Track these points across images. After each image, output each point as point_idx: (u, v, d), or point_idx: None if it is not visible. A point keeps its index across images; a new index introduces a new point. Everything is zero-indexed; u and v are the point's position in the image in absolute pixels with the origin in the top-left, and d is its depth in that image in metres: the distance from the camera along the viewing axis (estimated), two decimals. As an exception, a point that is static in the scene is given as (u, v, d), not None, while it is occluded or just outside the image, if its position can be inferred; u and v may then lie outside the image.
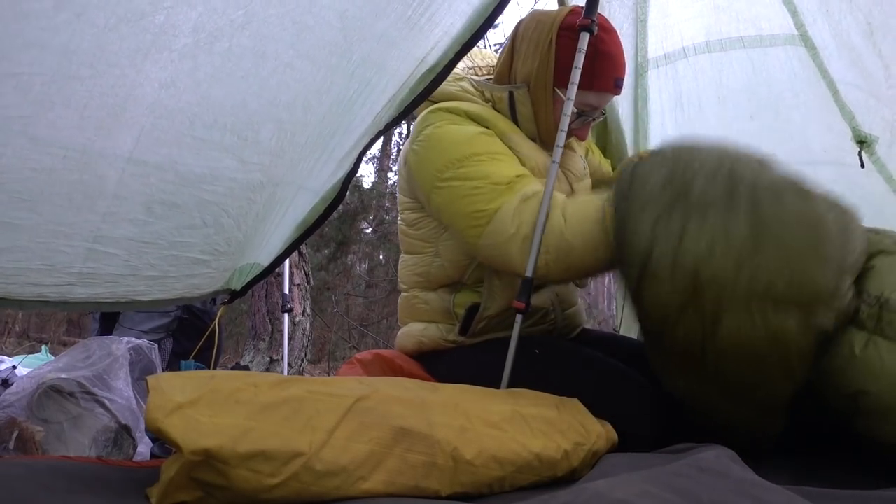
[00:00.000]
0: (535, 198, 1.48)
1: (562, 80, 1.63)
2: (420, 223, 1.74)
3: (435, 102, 1.72)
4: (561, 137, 1.56)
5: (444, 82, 1.71)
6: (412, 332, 1.80)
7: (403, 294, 1.85)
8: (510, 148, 1.63)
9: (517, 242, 1.44)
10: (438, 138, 1.60)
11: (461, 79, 1.76)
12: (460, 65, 1.77)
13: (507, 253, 1.46)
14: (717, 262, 1.22)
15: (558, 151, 1.57)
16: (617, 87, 1.70)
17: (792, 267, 1.20)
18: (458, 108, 1.65)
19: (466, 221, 1.51)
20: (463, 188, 1.51)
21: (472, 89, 1.74)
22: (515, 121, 1.72)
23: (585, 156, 1.97)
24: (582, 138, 1.78)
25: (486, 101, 1.72)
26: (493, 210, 1.48)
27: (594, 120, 1.75)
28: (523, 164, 1.63)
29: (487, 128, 1.63)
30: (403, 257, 1.84)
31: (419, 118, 1.71)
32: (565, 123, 1.58)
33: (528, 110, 1.70)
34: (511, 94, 1.69)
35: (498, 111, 1.71)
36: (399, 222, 1.83)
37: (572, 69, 1.57)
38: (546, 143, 1.72)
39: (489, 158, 1.55)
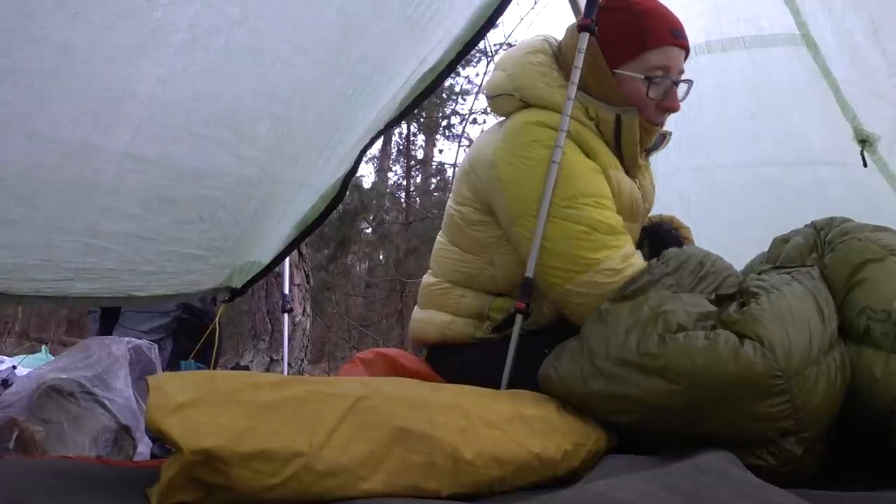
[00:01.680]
0: (635, 256, 1.48)
1: (614, 59, 1.57)
2: (481, 226, 1.65)
3: (529, 105, 1.60)
4: (561, 137, 1.54)
5: (546, 85, 1.59)
6: (436, 322, 1.73)
7: (433, 280, 1.77)
8: (609, 186, 1.56)
9: (605, 296, 1.41)
10: (547, 165, 1.50)
11: (564, 84, 1.58)
12: (546, 52, 1.65)
13: (593, 303, 1.41)
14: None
15: (558, 151, 1.54)
16: (676, 38, 1.57)
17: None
18: (567, 131, 1.53)
19: (561, 262, 1.47)
20: (566, 228, 1.47)
21: (577, 102, 1.56)
22: (618, 144, 1.61)
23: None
24: (675, 109, 1.62)
25: (590, 118, 1.60)
26: (595, 261, 1.45)
27: (675, 84, 1.60)
28: (621, 201, 1.57)
29: (592, 159, 1.55)
30: (448, 246, 1.74)
31: (519, 121, 1.58)
32: (565, 123, 1.55)
33: (633, 135, 1.59)
34: (618, 117, 1.58)
35: (601, 132, 1.61)
36: (452, 210, 1.72)
37: (572, 69, 1.54)
38: (630, 169, 1.65)
39: (596, 204, 1.50)
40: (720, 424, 1.22)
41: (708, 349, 1.19)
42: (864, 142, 2.30)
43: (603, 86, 1.59)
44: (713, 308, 1.31)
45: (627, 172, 1.64)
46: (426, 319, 1.76)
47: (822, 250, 1.48)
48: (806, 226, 1.60)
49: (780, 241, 1.63)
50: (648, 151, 1.74)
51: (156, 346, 2.63)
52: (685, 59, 1.64)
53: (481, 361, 1.58)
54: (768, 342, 1.17)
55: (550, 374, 1.35)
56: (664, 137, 1.78)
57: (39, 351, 3.66)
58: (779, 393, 1.17)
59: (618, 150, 1.62)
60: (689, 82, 1.64)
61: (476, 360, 1.62)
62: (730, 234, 2.58)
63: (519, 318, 1.51)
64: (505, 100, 1.65)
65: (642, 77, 1.58)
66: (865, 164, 2.30)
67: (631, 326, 1.27)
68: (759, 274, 1.40)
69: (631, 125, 1.59)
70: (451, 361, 1.69)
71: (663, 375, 1.21)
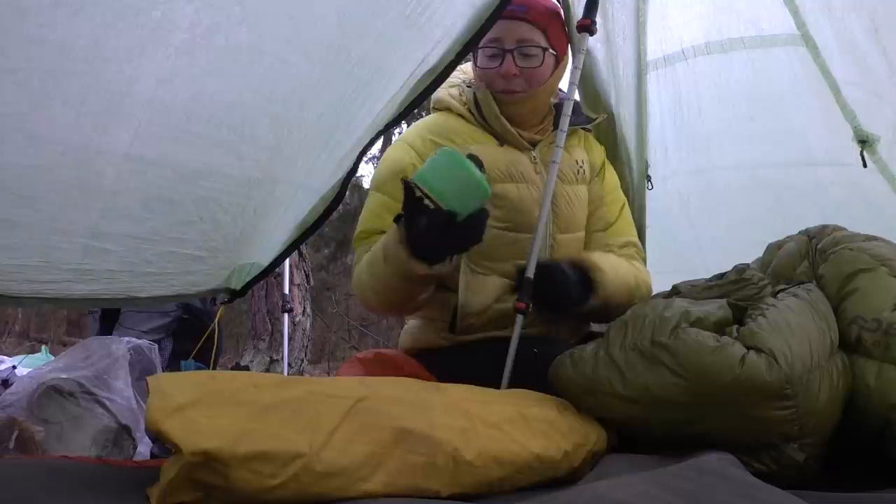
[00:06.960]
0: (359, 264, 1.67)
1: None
2: None
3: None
4: (561, 137, 1.55)
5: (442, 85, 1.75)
6: (409, 329, 1.80)
7: None
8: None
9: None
10: (382, 160, 1.82)
11: (454, 85, 1.81)
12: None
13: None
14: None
15: (558, 152, 1.56)
16: (509, 13, 1.66)
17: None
18: (412, 137, 1.75)
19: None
20: (366, 205, 1.75)
21: (458, 95, 1.79)
22: (486, 121, 1.74)
23: (588, 177, 1.84)
24: (506, 73, 1.69)
25: (464, 104, 1.77)
26: (356, 243, 1.72)
27: (511, 52, 1.68)
28: (493, 170, 1.65)
29: (450, 140, 1.69)
30: None
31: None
32: (565, 124, 1.57)
33: (491, 108, 1.72)
34: (475, 94, 1.75)
35: (472, 113, 1.76)
36: None
37: (572, 69, 1.56)
38: (510, 140, 1.73)
39: (374, 205, 1.72)
40: (721, 426, 1.22)
41: (716, 350, 1.20)
42: (864, 142, 2.29)
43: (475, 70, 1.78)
44: (730, 315, 1.32)
45: (516, 145, 1.74)
46: (405, 329, 1.83)
47: (814, 258, 1.49)
48: (800, 232, 1.60)
49: (775, 248, 1.64)
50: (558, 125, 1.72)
51: (156, 346, 2.64)
52: (538, 29, 1.70)
53: (458, 364, 1.61)
54: (770, 350, 1.18)
55: (564, 360, 1.36)
56: (590, 120, 1.85)
57: (39, 351, 3.67)
58: (784, 398, 1.17)
59: (489, 125, 1.75)
60: (543, 49, 1.70)
61: (452, 363, 1.64)
62: (730, 236, 2.59)
63: (519, 317, 1.51)
64: None
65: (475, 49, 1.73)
66: (865, 165, 2.30)
67: (651, 318, 1.29)
68: (759, 294, 1.40)
69: (485, 99, 1.72)
70: (434, 366, 1.70)
71: (670, 367, 1.22)
